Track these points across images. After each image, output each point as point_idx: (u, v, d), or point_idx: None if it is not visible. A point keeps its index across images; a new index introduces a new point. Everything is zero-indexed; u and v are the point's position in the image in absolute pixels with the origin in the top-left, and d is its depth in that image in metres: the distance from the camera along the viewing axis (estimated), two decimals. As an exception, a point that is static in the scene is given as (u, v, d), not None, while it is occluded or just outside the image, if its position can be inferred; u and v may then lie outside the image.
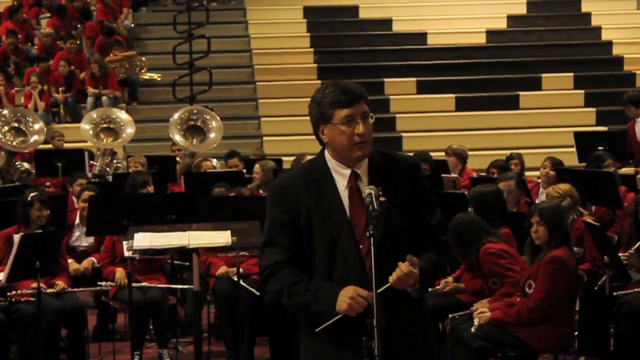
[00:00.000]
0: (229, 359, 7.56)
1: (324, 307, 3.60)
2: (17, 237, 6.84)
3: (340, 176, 3.70)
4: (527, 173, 10.33)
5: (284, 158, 11.18)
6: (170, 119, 12.54)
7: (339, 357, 3.67)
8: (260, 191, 9.17)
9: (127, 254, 6.76)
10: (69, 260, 7.89)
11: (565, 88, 16.06)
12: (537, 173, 9.70)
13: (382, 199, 3.62)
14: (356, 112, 3.65)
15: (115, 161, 12.38)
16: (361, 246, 3.64)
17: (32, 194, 7.41)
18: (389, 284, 3.56)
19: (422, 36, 17.12)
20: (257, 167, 9.39)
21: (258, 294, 7.37)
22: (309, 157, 9.51)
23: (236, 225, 6.46)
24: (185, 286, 7.57)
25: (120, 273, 7.50)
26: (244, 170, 10.23)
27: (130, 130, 12.53)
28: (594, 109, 15.51)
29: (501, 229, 6.77)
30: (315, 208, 3.67)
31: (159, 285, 7.60)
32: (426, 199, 3.77)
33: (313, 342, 3.73)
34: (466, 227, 6.54)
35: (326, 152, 3.74)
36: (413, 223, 3.70)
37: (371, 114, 3.69)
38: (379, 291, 3.52)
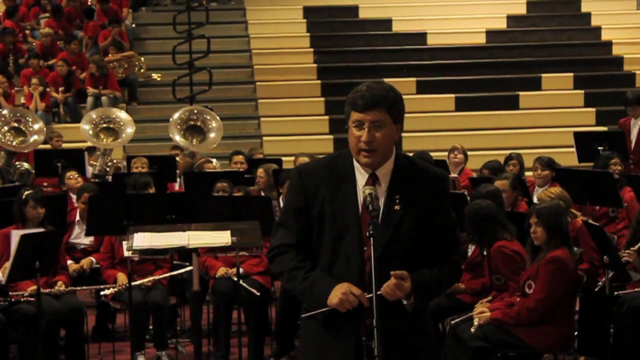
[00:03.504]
0: (217, 359, 7.56)
1: (317, 297, 3.65)
2: (16, 237, 6.85)
3: (361, 175, 3.72)
4: (527, 173, 10.32)
5: (283, 158, 11.17)
6: (170, 119, 12.53)
7: (331, 345, 3.70)
8: (262, 193, 9.16)
9: (127, 254, 6.76)
10: (68, 262, 7.90)
11: (565, 88, 16.06)
12: (535, 173, 9.68)
13: (396, 207, 3.64)
14: (366, 118, 3.64)
15: (115, 160, 12.37)
16: (365, 248, 3.65)
17: (26, 193, 7.44)
18: (380, 292, 3.57)
19: (422, 36, 17.11)
20: (260, 171, 9.35)
21: (258, 294, 7.39)
22: (305, 158, 9.58)
23: (236, 225, 6.45)
24: (188, 268, 7.45)
25: (123, 278, 7.47)
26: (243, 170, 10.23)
27: (130, 130, 12.52)
28: (593, 109, 15.51)
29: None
30: (330, 201, 3.70)
31: (162, 275, 7.59)
32: (444, 216, 3.74)
33: (308, 327, 3.78)
34: (484, 217, 6.51)
35: None
36: (424, 237, 3.68)
37: (390, 124, 3.64)
38: (368, 296, 3.54)
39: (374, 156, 3.66)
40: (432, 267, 3.69)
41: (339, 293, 3.58)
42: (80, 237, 8.50)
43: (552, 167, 9.09)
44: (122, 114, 12.80)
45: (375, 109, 3.64)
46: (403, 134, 15.66)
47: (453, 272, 3.80)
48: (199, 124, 12.53)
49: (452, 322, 6.52)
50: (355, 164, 3.73)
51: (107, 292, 7.49)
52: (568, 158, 11.32)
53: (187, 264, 8.01)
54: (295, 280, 3.71)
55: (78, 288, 7.53)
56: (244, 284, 7.29)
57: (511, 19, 17.48)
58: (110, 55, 15.90)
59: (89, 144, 12.44)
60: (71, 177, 9.37)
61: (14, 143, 12.38)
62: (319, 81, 15.99)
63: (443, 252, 3.74)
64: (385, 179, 3.70)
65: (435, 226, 3.70)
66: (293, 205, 3.77)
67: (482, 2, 17.65)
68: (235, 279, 7.23)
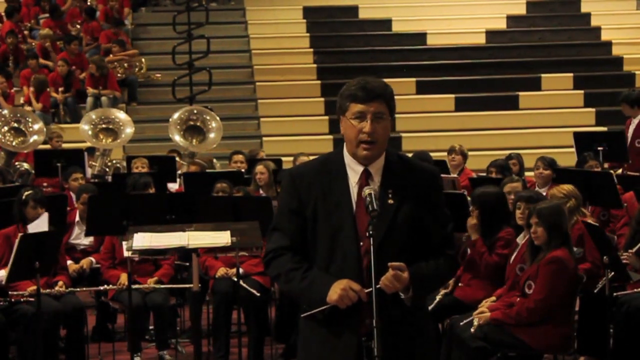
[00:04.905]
0: (217, 359, 7.56)
1: (316, 295, 3.65)
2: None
3: (353, 172, 3.72)
4: (526, 173, 10.33)
5: (283, 158, 11.17)
6: (170, 119, 12.54)
7: (332, 344, 3.69)
8: (261, 192, 9.16)
9: (126, 254, 6.76)
10: (68, 262, 7.90)
11: (564, 88, 16.07)
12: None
13: (390, 201, 3.64)
14: (368, 110, 3.66)
15: (114, 161, 12.38)
16: (361, 244, 3.65)
17: (26, 193, 7.44)
18: (379, 286, 3.57)
19: (421, 36, 17.12)
20: (261, 167, 9.34)
21: (258, 294, 7.40)
22: (304, 157, 9.61)
23: (236, 225, 6.46)
24: (188, 285, 7.49)
25: (125, 279, 7.46)
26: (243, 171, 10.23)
27: (129, 130, 12.53)
28: (593, 109, 15.51)
29: (504, 229, 6.78)
30: (323, 200, 3.70)
31: (161, 285, 7.59)
32: (437, 211, 3.76)
33: (308, 327, 3.78)
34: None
35: (344, 147, 3.77)
36: (419, 231, 3.69)
37: (388, 117, 3.69)
38: (367, 291, 3.54)
39: (374, 149, 3.68)
40: (429, 260, 3.70)
41: (339, 289, 3.58)
42: (80, 238, 8.50)
43: (553, 167, 9.09)
44: (121, 115, 12.81)
45: (376, 100, 3.68)
46: (403, 134, 15.64)
47: (450, 265, 3.81)
48: (198, 124, 12.54)
49: (452, 321, 6.52)
50: (347, 161, 3.74)
51: (108, 286, 7.50)
52: (568, 158, 11.32)
53: (187, 263, 8.04)
54: (293, 282, 3.71)
55: (78, 288, 7.53)
56: (244, 284, 7.29)
57: (511, 19, 17.48)
58: (111, 55, 15.89)
59: (89, 144, 12.45)
60: (76, 178, 9.38)
61: (14, 143, 12.39)
62: (318, 81, 15.99)
63: (438, 246, 3.75)
64: (377, 174, 3.71)
65: (429, 221, 3.71)
66: (287, 208, 3.77)
67: (482, 2, 17.65)
68: (235, 279, 7.23)
